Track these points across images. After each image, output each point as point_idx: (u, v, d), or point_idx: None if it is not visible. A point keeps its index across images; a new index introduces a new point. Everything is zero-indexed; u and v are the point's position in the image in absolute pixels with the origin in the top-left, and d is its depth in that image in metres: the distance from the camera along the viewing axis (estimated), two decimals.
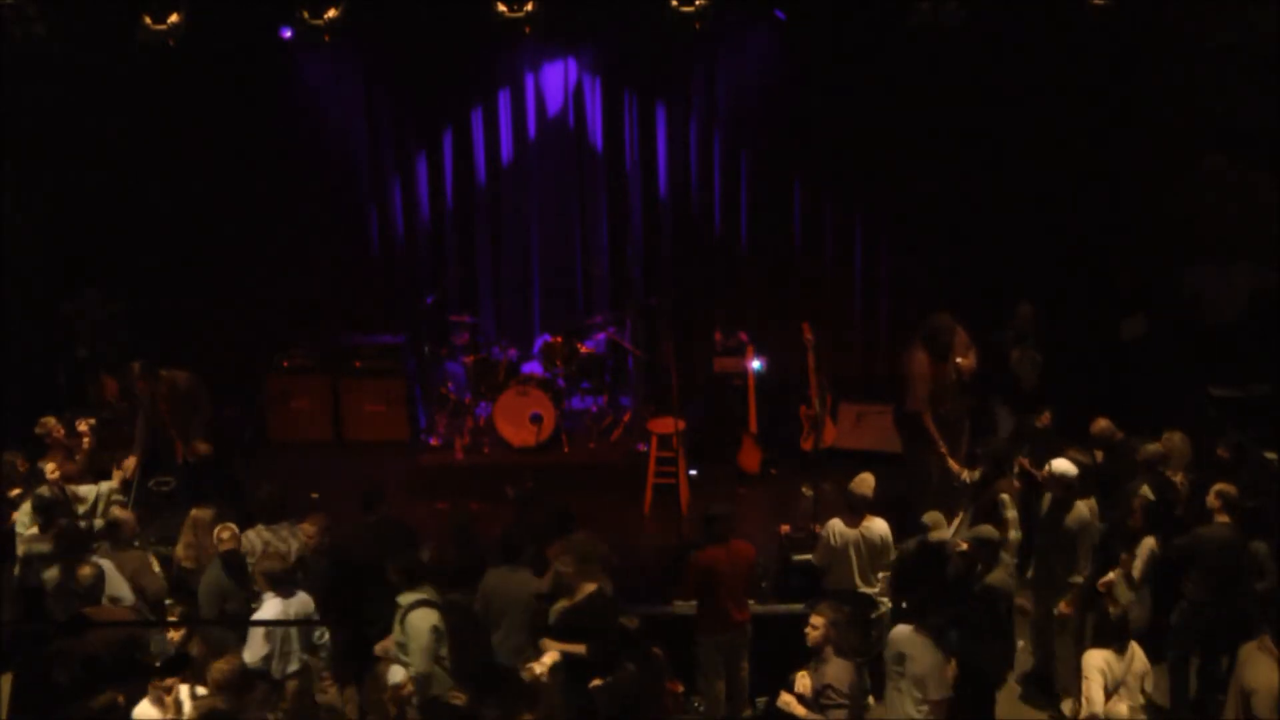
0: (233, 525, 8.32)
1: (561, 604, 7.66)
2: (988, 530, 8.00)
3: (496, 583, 8.01)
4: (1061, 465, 8.43)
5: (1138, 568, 8.29)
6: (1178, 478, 8.87)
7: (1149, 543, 8.33)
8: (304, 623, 7.73)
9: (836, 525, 8.48)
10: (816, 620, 7.21)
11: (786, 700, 7.27)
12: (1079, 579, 8.41)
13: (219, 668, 6.94)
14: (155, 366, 10.13)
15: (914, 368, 9.86)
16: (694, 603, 8.32)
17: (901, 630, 7.41)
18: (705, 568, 8.13)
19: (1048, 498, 8.55)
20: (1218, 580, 8.01)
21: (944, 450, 9.64)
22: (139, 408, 10.17)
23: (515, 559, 8.08)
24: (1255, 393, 10.65)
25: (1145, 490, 8.68)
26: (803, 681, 7.26)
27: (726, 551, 8.15)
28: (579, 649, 7.49)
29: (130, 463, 9.78)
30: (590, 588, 7.60)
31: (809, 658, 7.30)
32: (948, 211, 12.29)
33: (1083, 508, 8.40)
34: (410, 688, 6.82)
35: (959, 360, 9.78)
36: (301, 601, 7.84)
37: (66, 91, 11.49)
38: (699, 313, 12.81)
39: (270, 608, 7.73)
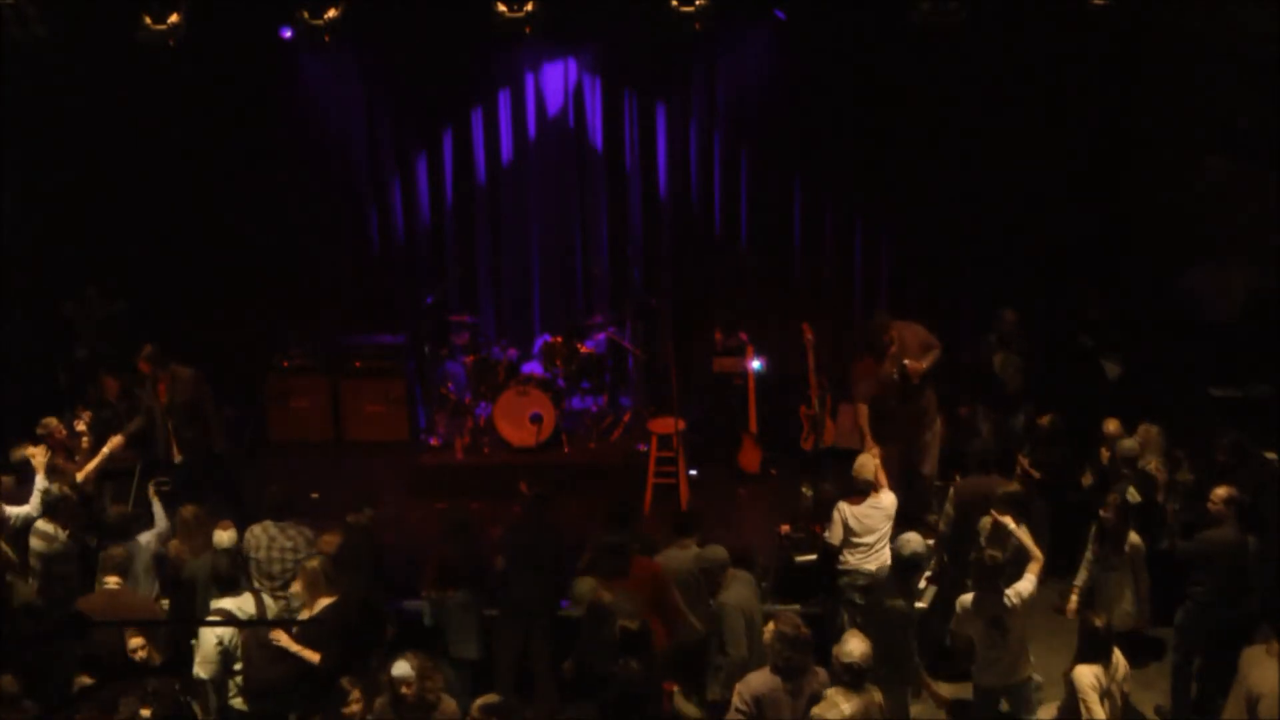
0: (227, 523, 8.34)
1: (304, 613, 7.75)
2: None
3: (663, 562, 8.04)
4: (911, 543, 7.69)
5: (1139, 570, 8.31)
6: (1151, 464, 8.98)
7: (1134, 539, 8.34)
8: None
9: (843, 506, 8.51)
10: None
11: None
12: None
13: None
14: (166, 357, 10.12)
15: (856, 365, 10.15)
16: None
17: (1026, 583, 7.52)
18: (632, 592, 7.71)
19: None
20: (1225, 582, 7.98)
21: (870, 443, 9.57)
22: (140, 398, 10.16)
23: (684, 534, 8.13)
24: (1255, 393, 10.64)
25: (1132, 492, 8.71)
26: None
27: (631, 580, 7.75)
28: (314, 656, 7.53)
29: (116, 441, 9.72)
30: (325, 600, 7.65)
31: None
32: (948, 212, 12.27)
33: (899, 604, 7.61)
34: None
35: (906, 362, 9.81)
36: None
37: (66, 91, 11.49)
38: (699, 313, 12.80)
39: None
